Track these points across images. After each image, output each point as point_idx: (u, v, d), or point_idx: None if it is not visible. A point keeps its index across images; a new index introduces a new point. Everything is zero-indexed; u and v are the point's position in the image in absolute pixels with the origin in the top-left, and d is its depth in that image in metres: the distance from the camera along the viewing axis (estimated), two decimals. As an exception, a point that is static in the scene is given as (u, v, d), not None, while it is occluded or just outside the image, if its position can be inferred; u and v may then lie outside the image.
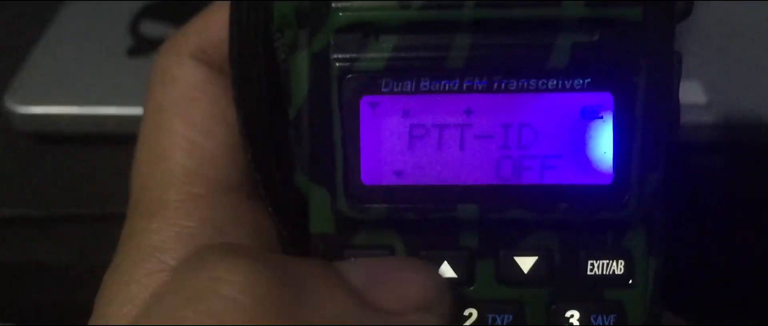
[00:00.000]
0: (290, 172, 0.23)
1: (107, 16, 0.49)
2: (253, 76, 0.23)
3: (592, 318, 0.22)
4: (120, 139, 0.42)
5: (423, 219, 0.21)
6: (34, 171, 0.43)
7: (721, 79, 0.43)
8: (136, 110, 0.41)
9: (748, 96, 0.42)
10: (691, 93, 0.42)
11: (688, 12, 0.21)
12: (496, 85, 0.21)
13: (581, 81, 0.21)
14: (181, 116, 0.24)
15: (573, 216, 0.21)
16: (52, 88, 0.43)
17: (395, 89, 0.21)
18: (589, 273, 0.22)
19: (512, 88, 0.21)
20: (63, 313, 0.42)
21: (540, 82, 0.21)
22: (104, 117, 0.42)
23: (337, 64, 0.21)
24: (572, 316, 0.22)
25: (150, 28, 0.48)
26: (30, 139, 0.43)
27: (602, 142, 0.21)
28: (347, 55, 0.21)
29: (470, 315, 0.22)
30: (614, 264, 0.22)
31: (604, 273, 0.22)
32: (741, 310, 0.43)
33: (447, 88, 0.21)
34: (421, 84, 0.21)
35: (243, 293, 0.18)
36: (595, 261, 0.22)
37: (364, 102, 0.21)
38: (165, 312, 0.19)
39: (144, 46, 0.46)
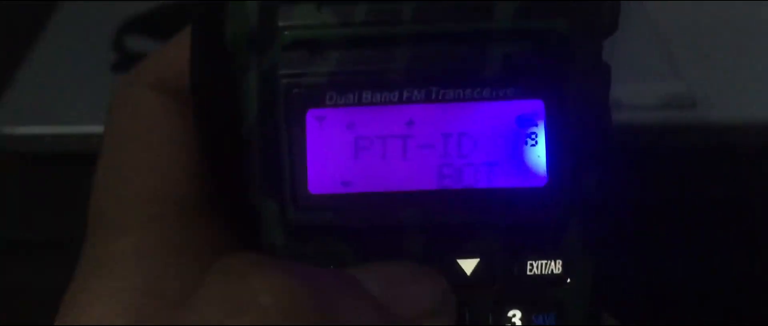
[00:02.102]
0: (246, 191, 0.23)
1: (91, 35, 0.49)
2: (213, 98, 0.24)
3: (533, 318, 0.23)
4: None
5: (369, 226, 0.22)
6: (21, 193, 0.42)
7: (709, 81, 0.43)
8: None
9: (736, 97, 0.42)
10: (679, 94, 0.42)
11: (615, 27, 0.22)
12: (434, 95, 0.22)
13: (514, 89, 0.22)
14: (140, 141, 0.24)
15: (512, 219, 0.22)
16: (36, 108, 0.43)
17: (339, 102, 0.22)
18: (529, 273, 0.23)
19: (449, 98, 0.22)
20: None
21: (475, 92, 0.22)
22: (91, 135, 0.42)
23: (283, 80, 0.22)
24: (514, 316, 0.23)
25: (134, 44, 0.48)
26: (15, 159, 0.43)
27: (536, 147, 0.22)
28: (293, 71, 0.22)
29: None
30: (552, 264, 0.23)
31: (543, 272, 0.23)
32: (726, 313, 0.43)
33: (388, 99, 0.22)
34: (364, 96, 0.22)
35: (287, 302, 0.19)
36: (534, 262, 0.23)
37: (310, 115, 0.22)
38: (204, 323, 0.19)
39: (128, 62, 0.46)
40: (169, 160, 0.24)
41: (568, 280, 0.23)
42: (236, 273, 0.20)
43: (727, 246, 0.41)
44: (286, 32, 0.22)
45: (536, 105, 0.22)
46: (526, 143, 0.22)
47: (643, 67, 0.45)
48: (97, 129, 0.41)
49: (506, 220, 0.22)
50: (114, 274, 0.22)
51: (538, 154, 0.22)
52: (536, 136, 0.22)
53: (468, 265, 0.22)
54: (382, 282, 0.21)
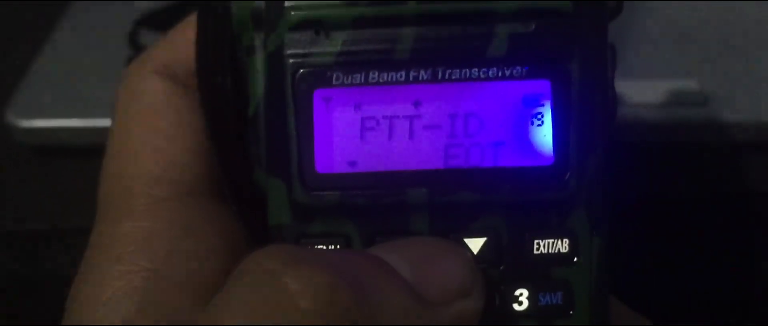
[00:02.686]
0: (251, 171, 0.23)
1: (106, 28, 0.49)
2: (218, 81, 0.24)
3: (540, 296, 0.23)
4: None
5: (375, 205, 0.22)
6: (37, 185, 0.43)
7: (720, 78, 0.43)
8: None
9: (747, 95, 0.42)
10: (689, 92, 0.42)
11: (619, 11, 0.23)
12: (440, 74, 0.22)
13: (520, 69, 0.22)
14: (146, 125, 0.25)
15: (518, 197, 0.22)
16: (52, 101, 0.44)
17: (346, 82, 0.22)
18: (535, 252, 0.23)
19: (455, 77, 0.22)
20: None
21: (481, 71, 0.22)
22: (105, 129, 0.42)
23: (290, 61, 0.22)
24: (521, 294, 0.23)
25: (149, 39, 0.48)
26: (32, 152, 0.44)
27: (543, 127, 0.22)
28: (300, 51, 0.22)
29: None
30: (559, 243, 0.23)
31: (550, 252, 0.23)
32: (736, 312, 0.43)
33: (395, 79, 0.22)
34: (371, 76, 0.22)
35: (327, 305, 0.18)
36: (541, 241, 0.23)
37: (317, 95, 0.22)
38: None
39: (143, 57, 0.46)
40: (175, 143, 0.24)
41: (575, 259, 0.23)
42: (269, 273, 0.19)
43: (735, 244, 0.41)
44: (292, 12, 0.22)
45: (543, 85, 0.22)
46: (533, 123, 0.22)
47: (655, 65, 0.45)
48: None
49: (513, 199, 0.22)
50: (121, 257, 0.22)
51: (544, 133, 0.22)
52: (542, 116, 0.22)
53: (475, 244, 0.23)
54: (411, 267, 0.21)
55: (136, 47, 0.47)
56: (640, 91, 0.42)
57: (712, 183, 0.41)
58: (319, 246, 0.22)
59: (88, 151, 0.43)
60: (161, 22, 0.49)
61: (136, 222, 0.23)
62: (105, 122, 0.42)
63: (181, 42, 0.25)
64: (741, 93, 0.42)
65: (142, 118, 0.25)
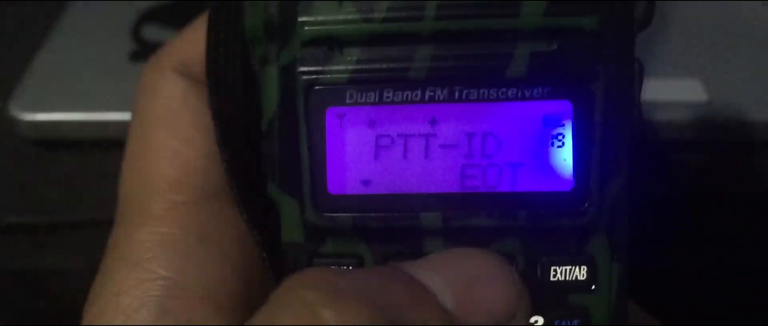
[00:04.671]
0: (264, 183, 0.23)
1: (109, 22, 0.49)
2: (229, 88, 0.23)
3: (556, 323, 0.22)
4: (124, 144, 0.42)
5: (388, 228, 0.22)
6: (39, 178, 0.43)
7: (722, 77, 0.43)
8: (139, 115, 0.41)
9: (749, 94, 0.42)
10: (691, 91, 0.42)
11: (649, 21, 0.22)
12: (457, 94, 0.21)
13: (541, 90, 0.21)
14: (164, 127, 0.25)
15: (535, 223, 0.21)
16: (55, 95, 0.44)
17: (359, 100, 0.21)
18: (552, 279, 0.22)
19: (473, 98, 0.21)
20: (69, 320, 0.42)
21: (500, 92, 0.21)
22: (108, 122, 0.43)
23: (303, 77, 0.21)
24: (536, 321, 0.22)
25: (152, 33, 0.48)
26: (34, 145, 0.44)
27: (563, 150, 0.21)
28: (313, 68, 0.21)
29: None
30: (577, 270, 0.22)
31: (568, 278, 0.22)
32: (740, 310, 0.43)
33: (410, 98, 0.21)
34: (385, 95, 0.21)
35: None
36: (558, 267, 0.22)
37: (330, 113, 0.21)
38: None
39: (146, 51, 0.47)
40: (192, 146, 0.24)
41: (593, 287, 0.22)
42: (308, 306, 0.18)
43: (739, 243, 0.41)
44: (305, 28, 0.21)
45: (564, 105, 0.21)
46: (553, 144, 0.21)
47: (657, 64, 0.45)
48: (115, 116, 0.42)
49: (530, 225, 0.21)
50: (138, 265, 0.22)
51: (564, 156, 0.21)
52: (563, 138, 0.21)
53: None
54: (451, 292, 0.20)
55: (140, 42, 0.47)
56: (643, 90, 0.42)
57: (716, 182, 0.41)
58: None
59: (91, 145, 0.43)
60: (165, 17, 0.49)
61: (153, 227, 0.23)
62: (108, 116, 0.42)
63: (198, 38, 0.25)
64: (744, 92, 0.42)
65: (160, 119, 0.25)
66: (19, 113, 0.43)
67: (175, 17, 0.49)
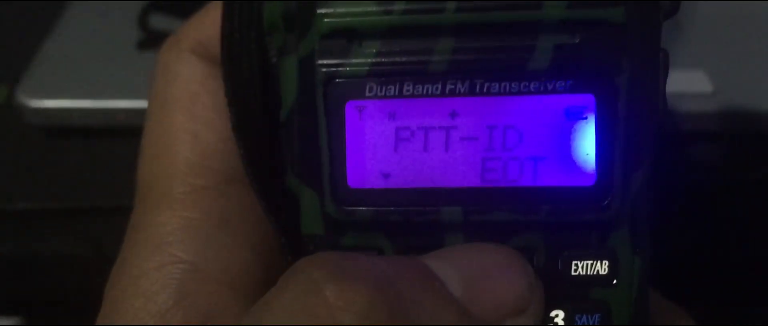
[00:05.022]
0: (283, 172, 0.23)
1: (116, 10, 0.49)
2: (245, 75, 0.23)
3: (576, 318, 0.22)
4: (130, 132, 0.42)
5: (408, 222, 0.21)
6: (47, 165, 0.43)
7: (727, 68, 0.43)
8: (146, 103, 0.41)
9: (754, 85, 0.42)
10: (696, 82, 0.42)
11: (675, 10, 0.21)
12: (478, 88, 0.21)
13: (563, 83, 0.21)
14: (183, 110, 0.24)
15: (557, 218, 0.21)
16: (62, 82, 0.44)
17: (379, 94, 0.21)
18: (573, 273, 0.22)
19: (495, 91, 0.21)
20: (76, 305, 0.43)
21: (522, 85, 0.21)
22: (115, 110, 0.43)
23: (322, 70, 0.21)
24: (557, 316, 0.22)
25: (159, 22, 0.48)
26: (41, 132, 0.44)
27: (585, 144, 0.21)
28: (332, 61, 0.21)
29: None
30: (598, 264, 0.22)
31: (589, 273, 0.22)
32: (741, 297, 0.43)
33: (430, 91, 0.21)
34: (405, 88, 0.21)
35: (363, 322, 0.18)
36: (579, 262, 0.22)
37: (350, 106, 0.21)
38: None
39: (153, 40, 0.47)
40: (213, 130, 0.24)
41: (614, 281, 0.22)
42: (313, 283, 0.19)
43: (742, 233, 0.41)
44: (325, 20, 0.21)
45: (587, 99, 0.21)
46: (575, 138, 0.21)
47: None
48: (122, 104, 0.43)
49: (552, 220, 0.21)
50: (159, 249, 0.23)
51: (586, 150, 0.21)
52: (585, 131, 0.21)
53: None
54: (462, 281, 0.20)
55: (146, 29, 0.48)
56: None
57: (720, 173, 0.41)
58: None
59: (98, 132, 0.43)
60: (172, 5, 0.49)
61: (175, 211, 0.23)
62: (115, 104, 0.43)
63: (216, 18, 0.25)
64: (749, 83, 0.42)
65: (179, 102, 0.25)
66: (27, 100, 0.43)
67: (182, 5, 0.49)
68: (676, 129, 0.41)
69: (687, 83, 0.42)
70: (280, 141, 0.23)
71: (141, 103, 0.42)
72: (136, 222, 0.24)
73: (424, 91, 0.21)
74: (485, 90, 0.21)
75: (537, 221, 0.21)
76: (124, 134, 0.43)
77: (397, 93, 0.21)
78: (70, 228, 0.42)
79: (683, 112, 0.41)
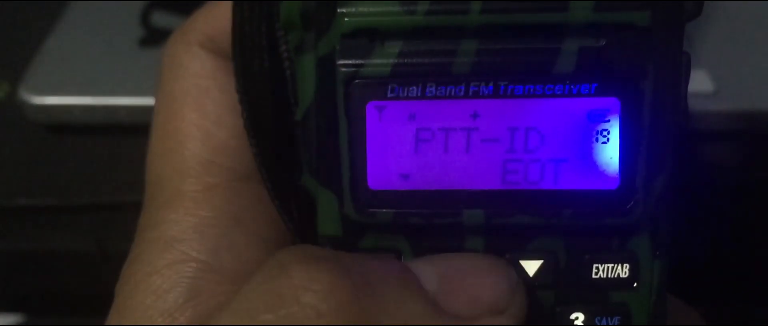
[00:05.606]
0: (298, 172, 0.22)
1: (119, 7, 0.49)
2: (257, 71, 0.23)
3: (596, 320, 0.22)
4: (133, 129, 0.42)
5: (429, 224, 0.21)
6: (49, 161, 0.43)
7: (728, 68, 0.43)
8: (148, 100, 0.41)
9: (755, 85, 0.42)
10: (698, 81, 0.42)
11: (698, 12, 0.21)
12: (502, 90, 0.21)
13: (588, 86, 0.20)
14: (193, 106, 0.24)
15: (578, 221, 0.21)
16: (65, 79, 0.44)
17: (401, 95, 0.21)
18: (594, 276, 0.22)
19: (518, 94, 0.21)
20: (79, 302, 0.43)
21: (546, 88, 0.20)
22: (117, 107, 0.43)
23: (343, 70, 0.21)
24: (577, 318, 0.22)
25: (161, 19, 0.48)
26: (44, 129, 0.44)
27: (608, 147, 0.21)
28: (353, 61, 0.21)
29: None
30: (619, 267, 0.22)
31: (609, 276, 0.22)
32: (743, 296, 0.43)
33: (453, 93, 0.21)
34: (427, 90, 0.21)
35: (324, 301, 0.18)
36: (600, 265, 0.22)
37: (371, 107, 0.21)
38: (244, 313, 0.19)
39: (155, 37, 0.47)
40: (223, 126, 0.24)
41: (635, 284, 0.22)
42: (282, 266, 0.19)
43: (743, 232, 0.41)
44: (346, 19, 0.20)
45: (611, 102, 0.20)
46: (598, 141, 0.21)
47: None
48: (124, 101, 0.43)
49: (573, 223, 0.21)
50: (171, 246, 0.22)
51: (610, 154, 0.21)
52: (609, 134, 0.21)
53: (531, 266, 0.22)
54: (437, 278, 0.20)
55: (149, 27, 0.48)
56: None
57: (721, 172, 0.41)
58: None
59: (100, 129, 0.43)
60: (175, 3, 0.49)
61: (186, 209, 0.23)
62: (116, 101, 0.43)
63: (222, 12, 0.24)
64: (751, 82, 0.42)
65: (188, 97, 0.24)
66: (29, 97, 0.43)
67: (184, 3, 0.49)
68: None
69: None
70: (294, 139, 0.22)
71: (143, 100, 0.42)
72: (147, 220, 0.24)
73: (447, 93, 0.21)
74: (509, 92, 0.21)
75: (559, 224, 0.21)
76: (125, 131, 0.43)
77: (419, 94, 0.21)
78: (71, 225, 0.42)
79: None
